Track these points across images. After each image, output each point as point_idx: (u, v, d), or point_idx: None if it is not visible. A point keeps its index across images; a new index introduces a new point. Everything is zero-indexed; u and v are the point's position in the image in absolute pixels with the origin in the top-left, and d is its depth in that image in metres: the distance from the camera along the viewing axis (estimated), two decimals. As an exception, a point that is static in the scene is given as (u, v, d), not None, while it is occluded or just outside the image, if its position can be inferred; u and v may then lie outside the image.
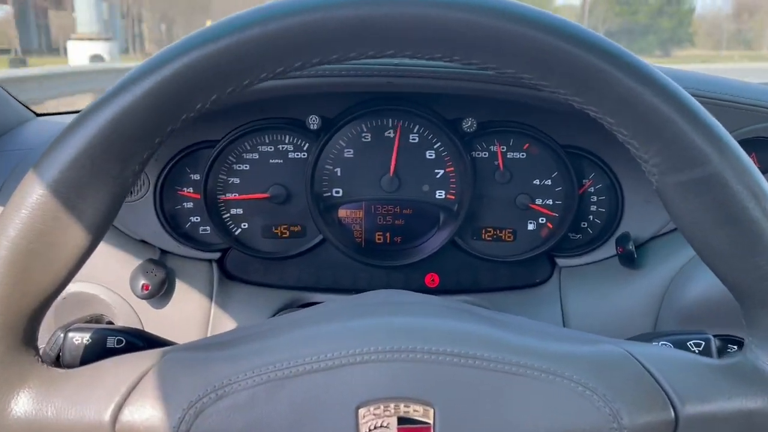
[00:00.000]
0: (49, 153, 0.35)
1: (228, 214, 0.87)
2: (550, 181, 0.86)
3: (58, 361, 0.55)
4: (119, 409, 0.36)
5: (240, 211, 0.87)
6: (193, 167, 0.86)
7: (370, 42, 0.35)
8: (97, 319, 0.80)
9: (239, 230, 0.88)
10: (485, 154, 0.86)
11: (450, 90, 0.76)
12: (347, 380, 0.36)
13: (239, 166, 0.86)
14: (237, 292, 0.87)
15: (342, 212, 0.87)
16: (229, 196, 0.86)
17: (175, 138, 0.66)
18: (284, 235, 0.88)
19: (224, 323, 0.84)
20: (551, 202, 0.87)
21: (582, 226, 0.88)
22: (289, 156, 0.86)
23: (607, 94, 0.35)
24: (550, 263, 0.89)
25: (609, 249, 0.86)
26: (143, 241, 0.86)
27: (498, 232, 0.88)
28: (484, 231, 0.88)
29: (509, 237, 0.88)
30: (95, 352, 0.51)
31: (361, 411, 0.36)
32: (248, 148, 0.85)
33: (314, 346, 0.37)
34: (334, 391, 0.36)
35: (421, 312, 0.41)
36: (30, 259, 0.35)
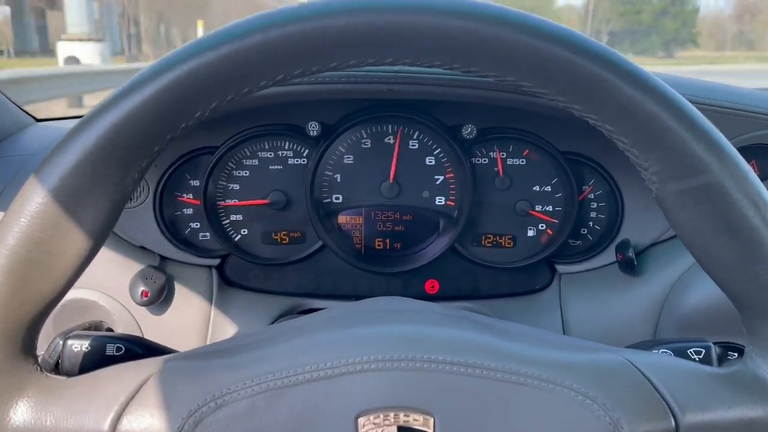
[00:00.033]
0: (49, 160, 0.35)
1: (228, 220, 0.87)
2: (549, 187, 0.87)
3: (57, 368, 0.55)
4: (118, 418, 0.36)
5: (240, 217, 0.87)
6: (193, 173, 0.86)
7: (369, 50, 0.35)
8: (96, 326, 0.80)
9: (239, 236, 0.87)
10: (485, 161, 0.86)
11: (450, 97, 0.76)
12: (347, 389, 0.36)
13: (239, 172, 0.86)
14: (236, 298, 0.87)
15: (342, 218, 0.87)
16: (229, 202, 0.86)
17: (174, 144, 0.66)
18: (284, 242, 0.88)
19: (224, 330, 0.84)
20: (551, 209, 0.87)
21: (582, 232, 0.88)
22: (289, 162, 0.86)
23: (607, 103, 0.35)
24: (550, 270, 0.89)
25: (609, 255, 0.86)
26: (142, 248, 0.86)
27: (498, 238, 0.88)
28: (483, 237, 0.88)
29: (509, 243, 0.88)
30: (94, 360, 0.51)
31: (361, 420, 0.35)
32: (248, 154, 0.85)
33: (314, 355, 0.37)
34: (334, 400, 0.36)
35: (421, 320, 0.41)
36: (29, 267, 0.35)
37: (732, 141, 0.77)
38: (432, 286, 0.89)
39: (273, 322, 0.85)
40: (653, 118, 0.34)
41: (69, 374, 0.53)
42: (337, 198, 0.87)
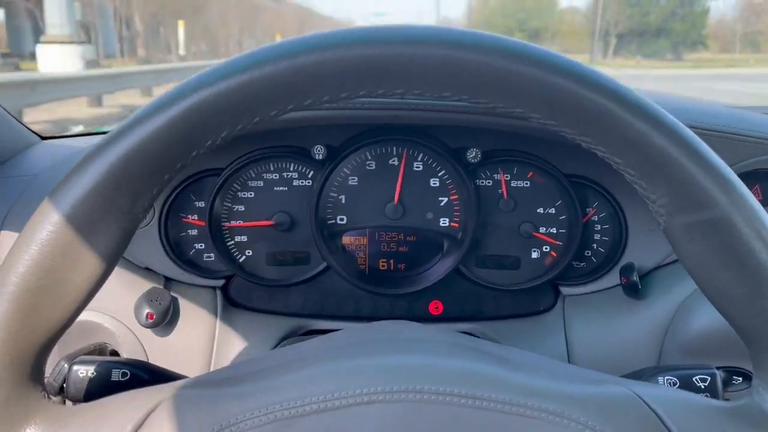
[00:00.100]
0: (61, 188, 0.36)
1: (232, 241, 0.87)
2: (553, 209, 0.87)
3: (61, 392, 0.55)
4: None
5: (244, 238, 0.87)
6: (198, 194, 0.86)
7: (379, 81, 0.35)
8: (101, 348, 0.79)
9: (243, 257, 0.88)
10: (489, 183, 0.86)
11: (455, 122, 0.76)
12: (355, 421, 0.36)
13: (244, 194, 0.86)
14: (241, 319, 0.87)
15: (346, 239, 0.87)
16: (234, 223, 0.87)
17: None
18: (288, 262, 0.88)
19: (228, 351, 0.84)
20: (555, 231, 0.87)
21: (586, 254, 0.88)
22: (294, 183, 0.86)
23: (615, 136, 0.35)
24: (554, 291, 0.89)
25: (613, 278, 0.86)
26: (147, 269, 0.86)
27: (502, 260, 0.88)
28: (487, 259, 0.88)
29: (513, 265, 0.88)
30: (100, 386, 0.51)
31: None
32: (253, 175, 0.86)
33: (322, 385, 0.37)
34: (342, 431, 0.35)
35: (430, 350, 0.41)
36: (39, 295, 0.35)
37: (736, 166, 0.78)
38: (436, 307, 0.89)
39: (277, 344, 0.85)
40: (661, 152, 0.35)
41: (74, 399, 0.53)
42: (341, 219, 0.87)
